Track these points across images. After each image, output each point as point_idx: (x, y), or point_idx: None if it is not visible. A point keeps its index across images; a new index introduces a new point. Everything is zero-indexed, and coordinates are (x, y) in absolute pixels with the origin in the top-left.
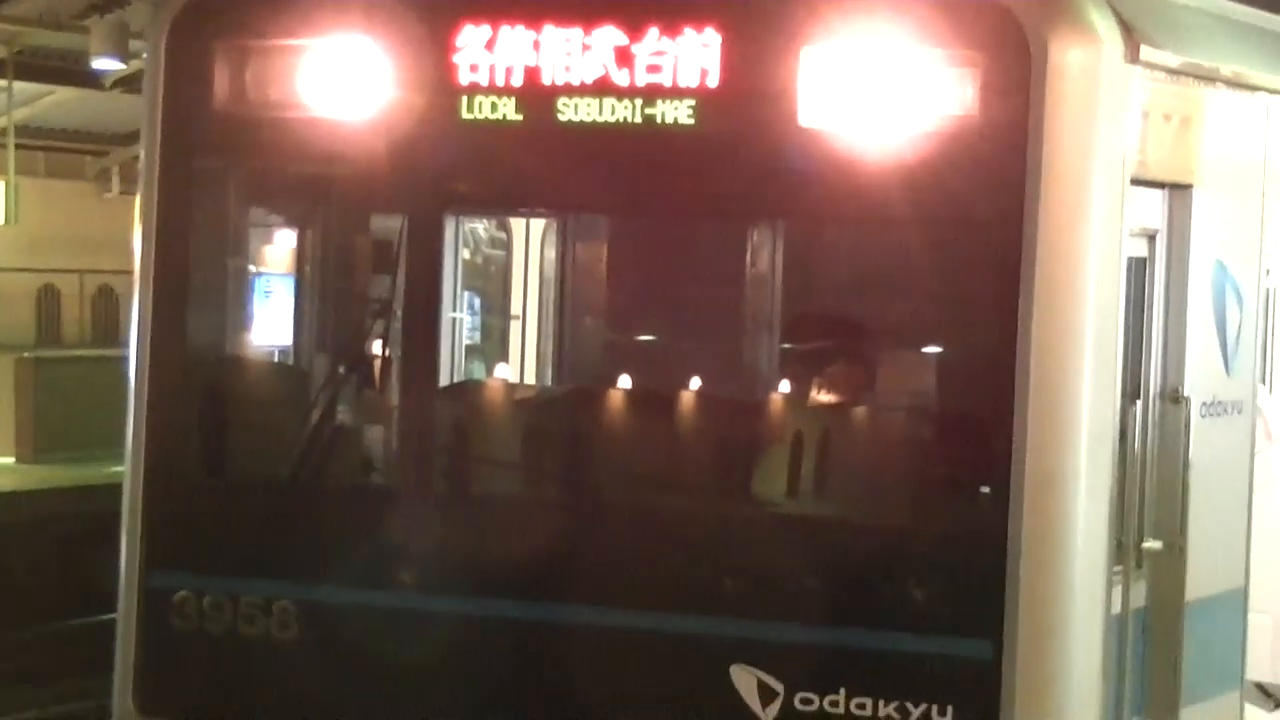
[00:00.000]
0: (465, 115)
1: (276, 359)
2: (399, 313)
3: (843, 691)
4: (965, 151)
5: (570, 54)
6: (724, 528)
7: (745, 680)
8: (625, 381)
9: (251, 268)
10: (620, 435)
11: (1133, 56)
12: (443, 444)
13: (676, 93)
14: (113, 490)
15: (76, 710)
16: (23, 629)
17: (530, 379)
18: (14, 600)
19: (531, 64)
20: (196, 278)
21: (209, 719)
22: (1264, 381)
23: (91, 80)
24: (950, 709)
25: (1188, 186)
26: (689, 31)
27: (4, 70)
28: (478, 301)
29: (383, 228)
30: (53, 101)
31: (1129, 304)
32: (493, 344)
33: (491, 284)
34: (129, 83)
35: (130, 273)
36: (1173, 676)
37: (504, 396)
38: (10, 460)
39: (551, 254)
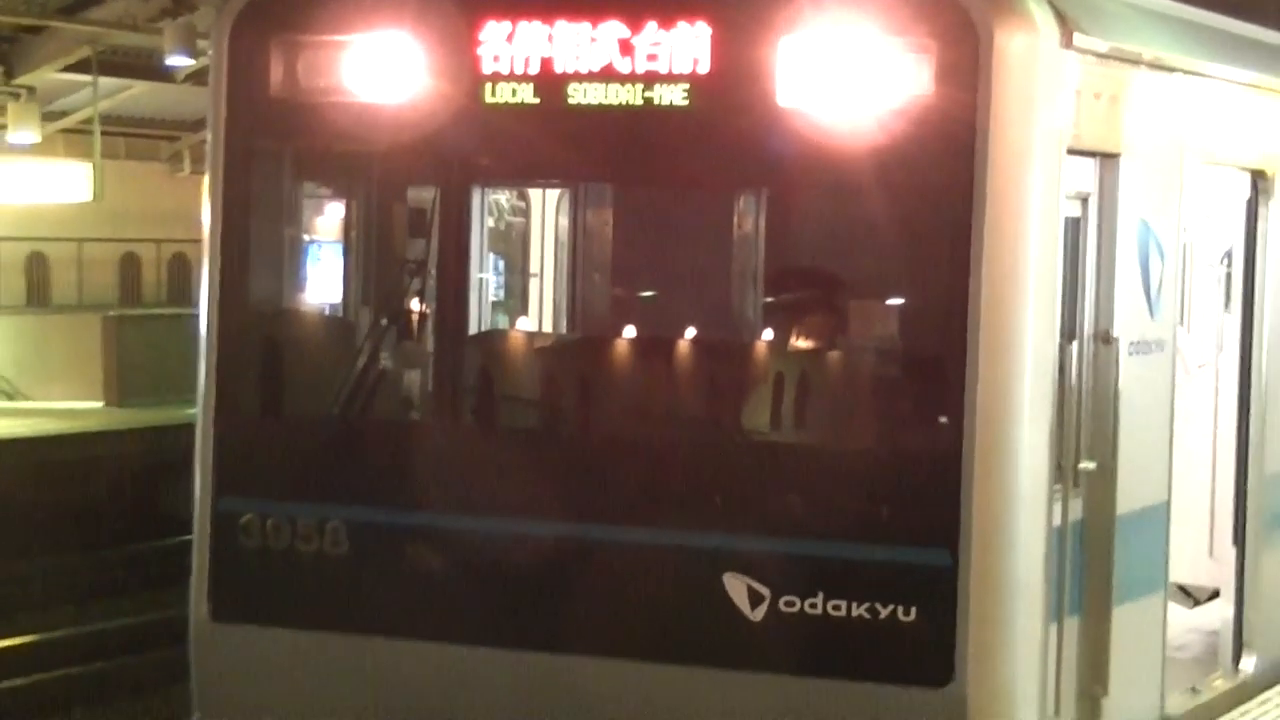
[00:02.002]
0: (489, 100)
1: (326, 314)
2: (433, 272)
3: (820, 595)
4: (923, 126)
5: (579, 45)
6: (718, 454)
7: (736, 586)
8: (629, 330)
9: (304, 235)
10: (626, 376)
11: (1067, 43)
12: (471, 385)
13: (672, 78)
14: (186, 429)
15: (154, 619)
16: (107, 549)
17: (547, 328)
18: (99, 524)
19: (546, 54)
20: (256, 245)
21: (272, 623)
22: (1182, 323)
23: (165, 75)
24: (914, 609)
25: (1115, 155)
26: (682, 24)
27: (89, 67)
28: (501, 262)
29: (418, 199)
30: (131, 94)
31: (1066, 257)
32: (514, 299)
33: (513, 247)
34: (197, 76)
35: (200, 241)
36: (1105, 580)
37: (524, 344)
38: (99, 404)
39: (565, 220)
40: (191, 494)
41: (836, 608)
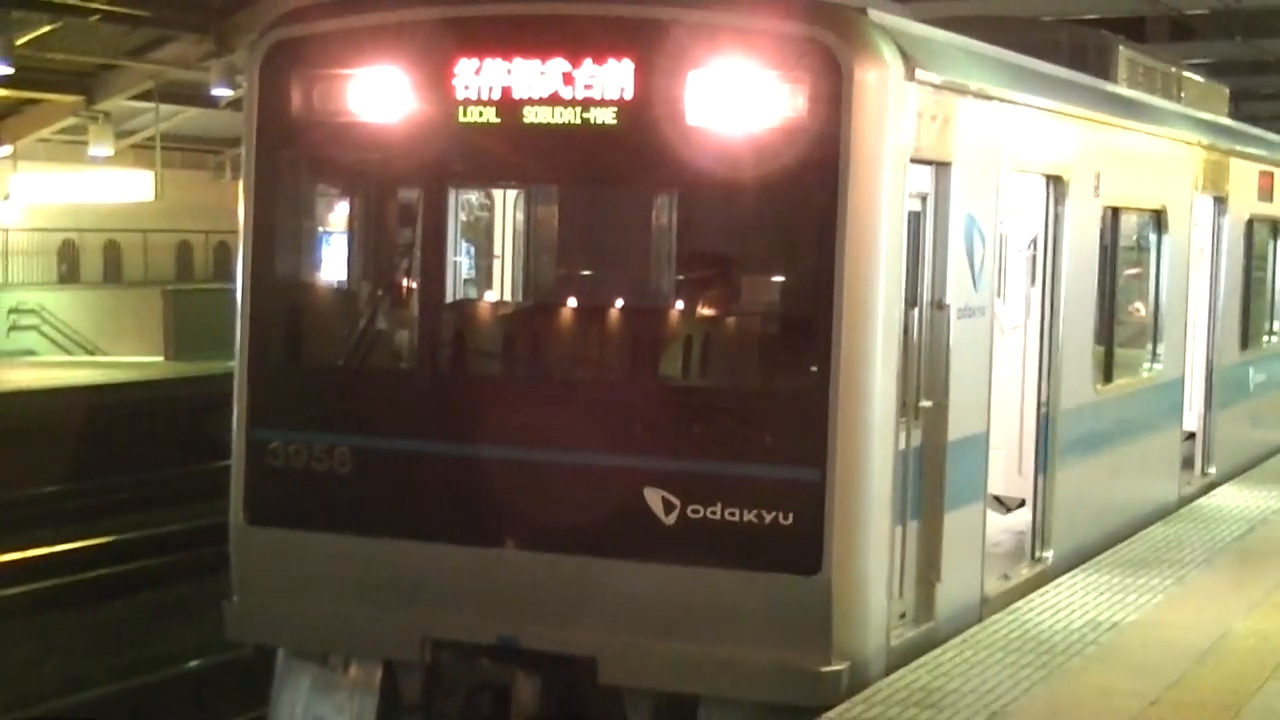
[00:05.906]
0: (461, 120)
1: (334, 287)
2: (418, 255)
3: (719, 504)
4: (799, 141)
5: (532, 77)
6: (640, 395)
7: (654, 497)
8: (571, 300)
9: (317, 226)
10: (568, 334)
11: (910, 77)
12: (447, 342)
13: (604, 103)
14: (227, 377)
15: (203, 525)
16: (166, 470)
17: (507, 299)
18: (161, 451)
19: (506, 84)
20: (281, 234)
21: (292, 526)
22: (999, 295)
23: (211, 102)
24: (791, 515)
25: (948, 164)
26: (612, 61)
27: (152, 96)
28: (471, 247)
29: (406, 197)
30: (185, 117)
31: (909, 243)
32: (482, 276)
33: (480, 235)
34: (237, 104)
35: (237, 232)
36: (938, 492)
37: (489, 310)
38: (160, 359)
39: (521, 215)
40: (230, 426)
41: (731, 514)
